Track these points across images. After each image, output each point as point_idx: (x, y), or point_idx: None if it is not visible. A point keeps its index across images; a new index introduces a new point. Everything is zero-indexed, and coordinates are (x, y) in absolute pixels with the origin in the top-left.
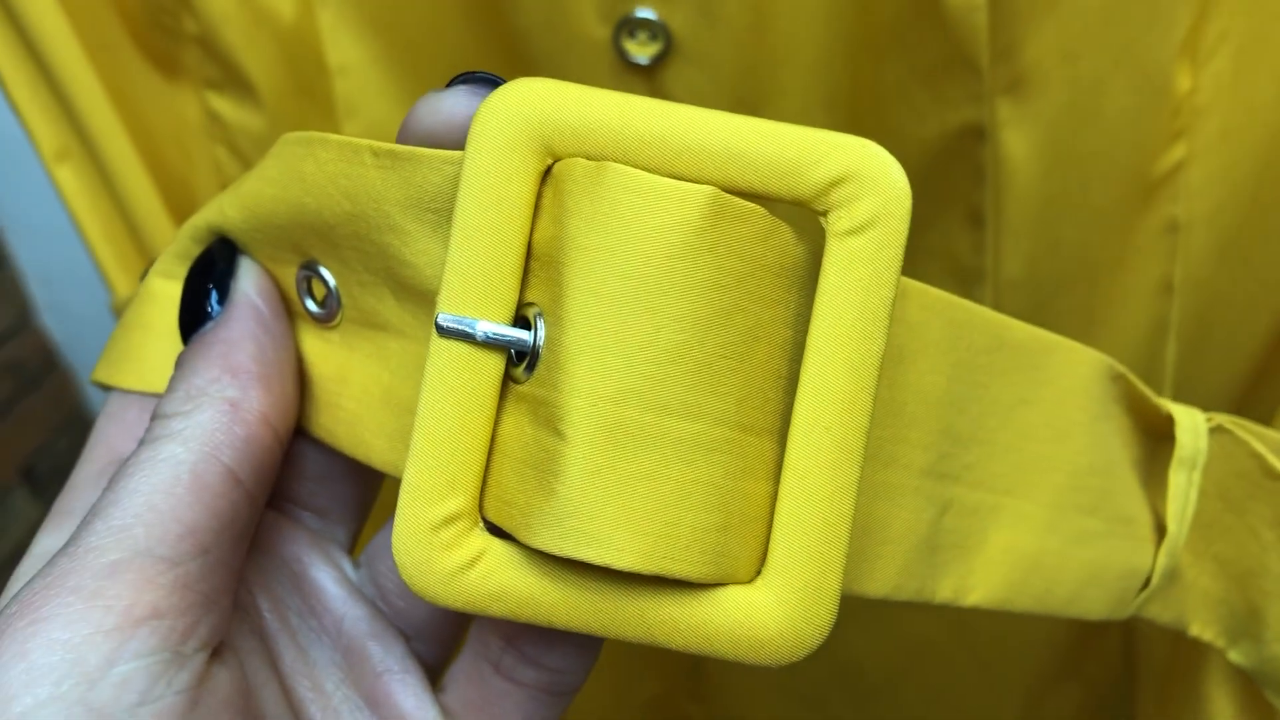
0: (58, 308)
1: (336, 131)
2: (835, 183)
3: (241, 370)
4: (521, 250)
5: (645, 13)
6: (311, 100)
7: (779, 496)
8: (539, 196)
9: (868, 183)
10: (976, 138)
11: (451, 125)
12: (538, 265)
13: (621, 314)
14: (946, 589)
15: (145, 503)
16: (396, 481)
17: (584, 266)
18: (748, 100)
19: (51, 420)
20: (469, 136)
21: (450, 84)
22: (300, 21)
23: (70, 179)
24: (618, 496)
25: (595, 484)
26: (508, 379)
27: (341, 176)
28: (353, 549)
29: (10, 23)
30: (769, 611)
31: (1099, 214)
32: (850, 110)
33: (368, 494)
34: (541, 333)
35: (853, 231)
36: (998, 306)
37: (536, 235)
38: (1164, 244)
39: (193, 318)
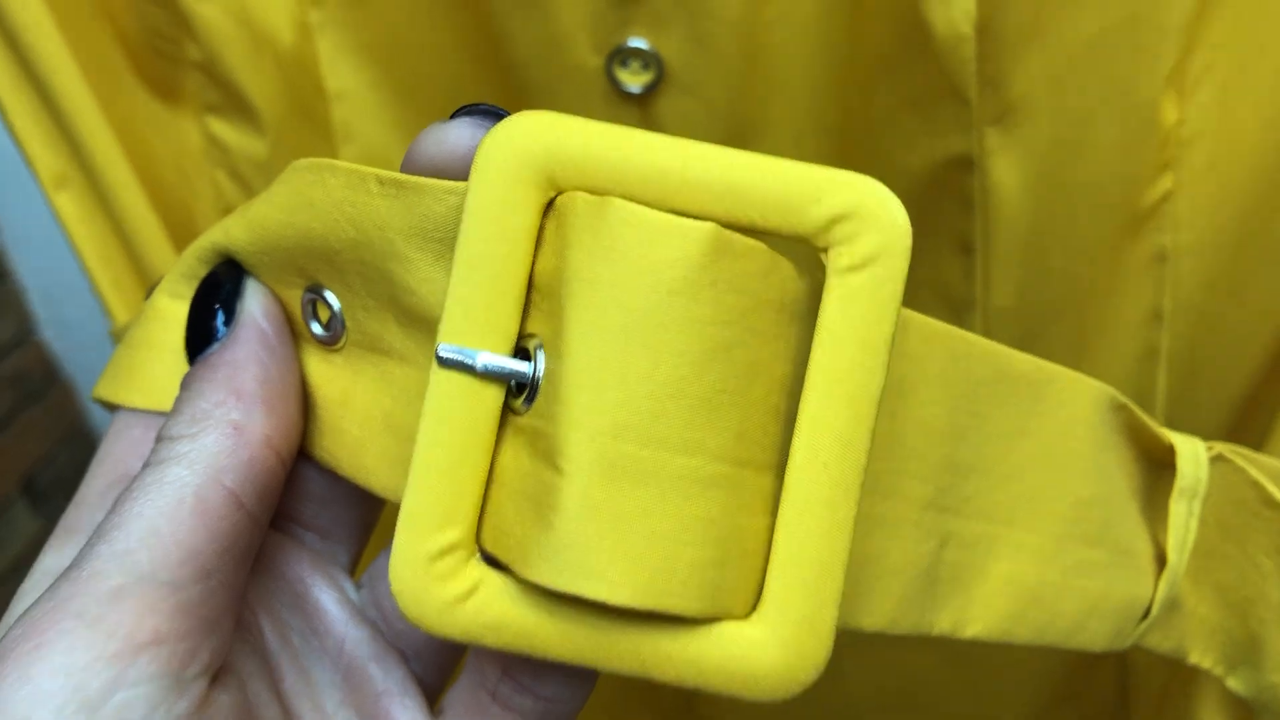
0: (59, 323)
1: (334, 157)
2: (836, 219)
3: (246, 393)
4: (523, 282)
5: (638, 42)
6: (310, 125)
7: (775, 532)
8: (541, 229)
9: (868, 220)
10: (966, 167)
11: (455, 156)
12: (539, 297)
13: (621, 348)
14: (945, 621)
15: (148, 527)
16: (398, 505)
17: (584, 300)
18: (740, 129)
19: (52, 433)
20: (473, 168)
21: (454, 115)
22: (299, 47)
23: (69, 205)
24: (614, 531)
25: (591, 519)
26: (507, 410)
27: (348, 204)
28: (354, 570)
29: (10, 49)
30: (764, 647)
31: (1088, 243)
32: (841, 139)
33: (370, 516)
34: (541, 365)
35: (853, 268)
36: (988, 334)
37: (538, 267)
38: (1153, 273)
39: (199, 338)
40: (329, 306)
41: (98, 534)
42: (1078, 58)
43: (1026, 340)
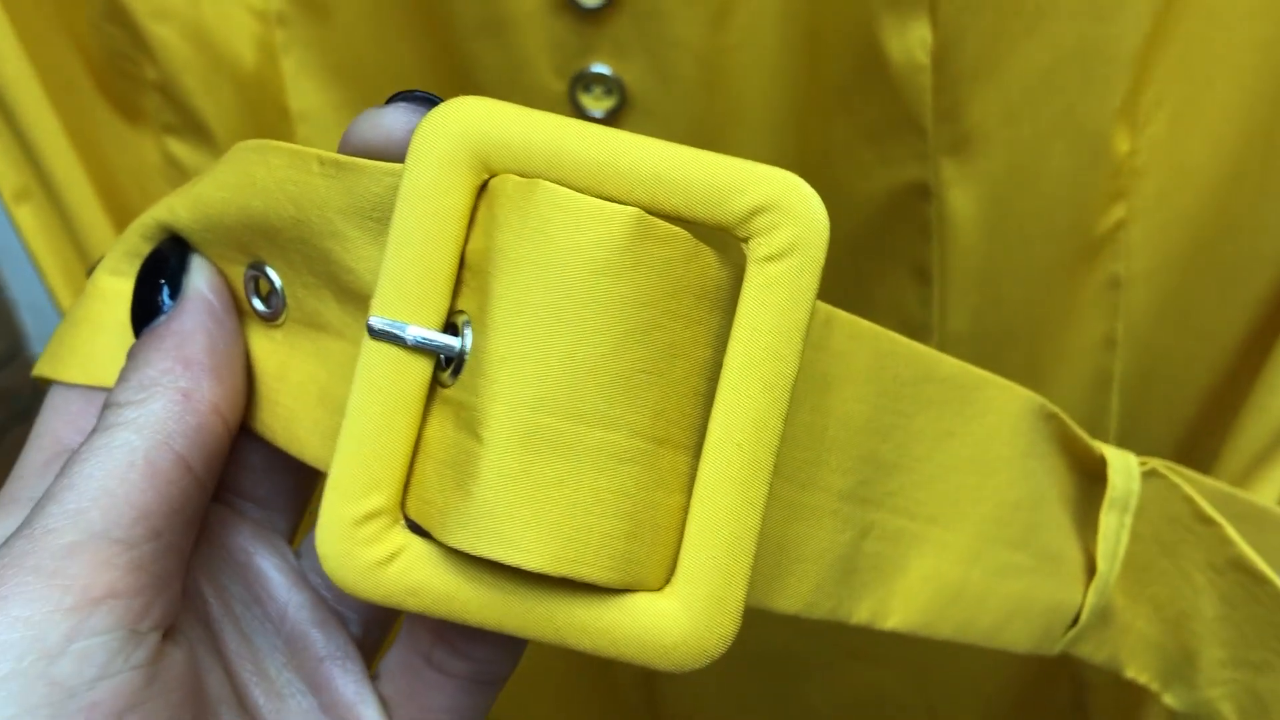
0: (49, 337)
1: None
2: (757, 211)
3: (194, 362)
4: (454, 260)
5: (600, 68)
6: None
7: (689, 509)
8: (474, 210)
9: (788, 212)
10: (922, 196)
11: (391, 140)
12: (469, 275)
13: (543, 325)
14: (864, 611)
15: (100, 487)
16: None
17: (510, 278)
18: None
19: None
20: (409, 150)
21: (390, 100)
22: (261, 68)
23: (29, 218)
24: (530, 500)
25: (509, 487)
26: (435, 383)
27: (289, 182)
28: (293, 539)
29: None
30: (674, 619)
31: (1042, 271)
32: (799, 168)
33: (307, 485)
34: (469, 340)
35: (771, 258)
36: None
37: (470, 246)
38: (1106, 300)
39: (145, 312)
40: (270, 282)
41: (48, 495)
42: (1031, 88)
43: (981, 365)
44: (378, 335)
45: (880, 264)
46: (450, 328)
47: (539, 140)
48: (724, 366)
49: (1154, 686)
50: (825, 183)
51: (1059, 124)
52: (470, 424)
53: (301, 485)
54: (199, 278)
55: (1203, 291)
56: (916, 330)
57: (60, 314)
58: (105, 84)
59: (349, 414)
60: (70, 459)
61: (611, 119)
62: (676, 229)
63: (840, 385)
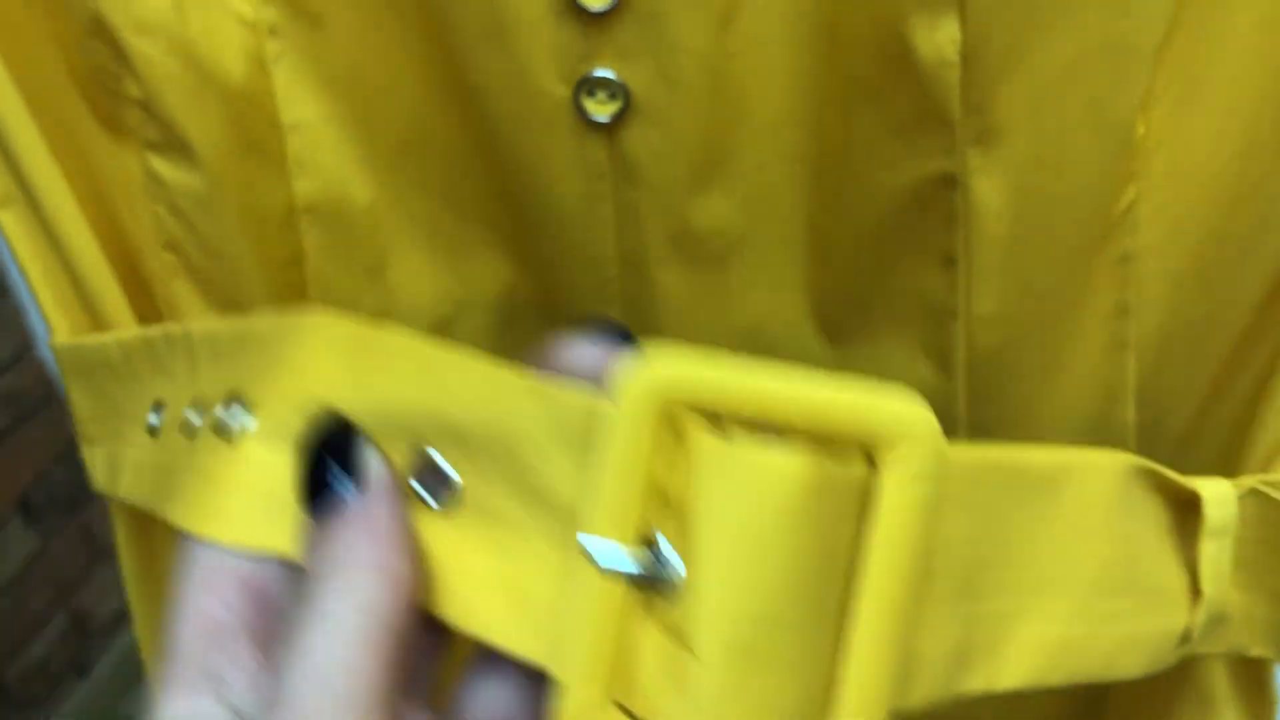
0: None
1: (286, 188)
2: (890, 440)
3: (389, 543)
4: (653, 488)
5: (604, 72)
6: (259, 158)
7: (843, 672)
8: (669, 443)
9: (915, 443)
10: (948, 185)
11: (591, 372)
12: (665, 503)
13: (743, 559)
14: (977, 681)
15: (335, 661)
16: (473, 640)
17: (710, 520)
18: (706, 158)
19: (49, 452)
20: (616, 393)
21: (578, 328)
22: (251, 80)
23: (12, 223)
24: (742, 707)
25: (725, 698)
26: (640, 593)
27: (493, 400)
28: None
29: None
30: None
31: (1065, 252)
32: (815, 165)
33: (443, 653)
34: (669, 561)
35: (904, 481)
36: (970, 342)
37: (666, 478)
38: (1118, 272)
39: (316, 490)
40: (441, 473)
41: (289, 671)
42: (1056, 80)
43: (1007, 343)
44: (588, 553)
45: (905, 250)
46: (650, 546)
47: (718, 382)
48: (869, 565)
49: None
50: (845, 177)
51: (1084, 115)
52: (682, 636)
53: (437, 652)
54: (375, 462)
55: (1218, 259)
56: (942, 314)
57: (43, 319)
58: (90, 97)
59: (568, 617)
60: (296, 635)
61: (616, 123)
62: (840, 472)
63: (943, 516)
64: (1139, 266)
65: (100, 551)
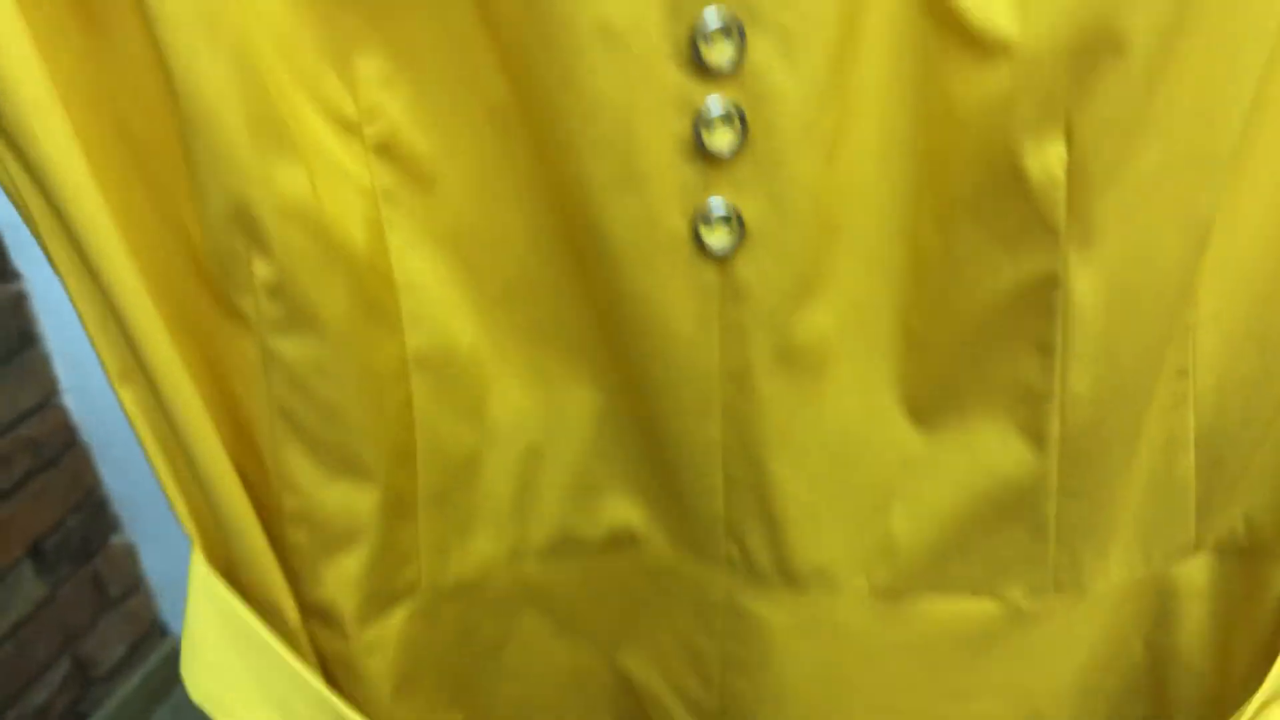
0: (80, 390)
1: (400, 343)
2: None
3: None
4: None
5: (719, 205)
6: (378, 317)
7: None
8: None
9: None
10: (1050, 284)
11: None
12: None
13: None
14: None
15: None
16: None
17: None
18: (808, 276)
19: (65, 500)
20: None
21: None
22: (370, 244)
23: (130, 399)
24: None
25: None
26: None
27: None
28: None
29: (75, 252)
30: None
31: (1150, 332)
32: (912, 275)
33: None
34: None
35: None
36: (1064, 419)
37: None
38: (1181, 341)
39: None
40: None
41: None
42: (1148, 186)
43: (1098, 417)
44: None
45: (1002, 341)
46: None
47: None
48: None
49: None
50: (946, 281)
51: (1172, 214)
52: None
53: None
54: None
55: (1266, 321)
56: (1039, 398)
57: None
58: (210, 280)
59: None
60: None
61: (731, 252)
62: None
63: None
64: (1194, 334)
65: (108, 601)
